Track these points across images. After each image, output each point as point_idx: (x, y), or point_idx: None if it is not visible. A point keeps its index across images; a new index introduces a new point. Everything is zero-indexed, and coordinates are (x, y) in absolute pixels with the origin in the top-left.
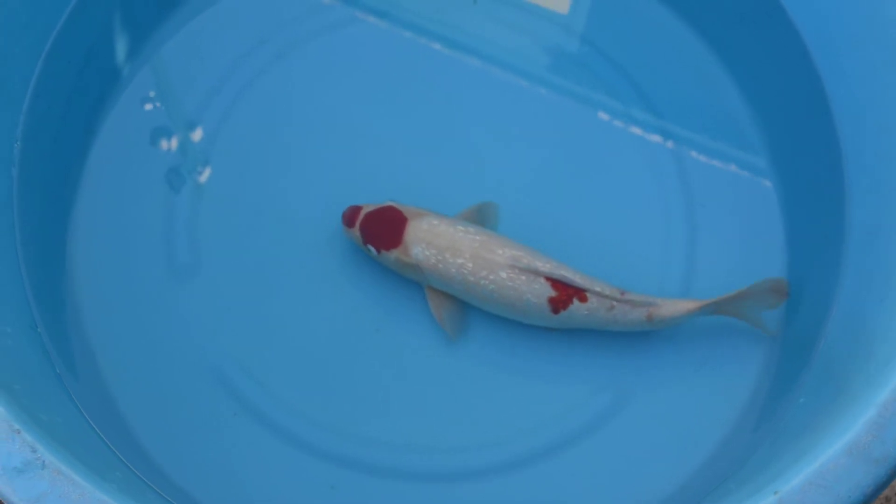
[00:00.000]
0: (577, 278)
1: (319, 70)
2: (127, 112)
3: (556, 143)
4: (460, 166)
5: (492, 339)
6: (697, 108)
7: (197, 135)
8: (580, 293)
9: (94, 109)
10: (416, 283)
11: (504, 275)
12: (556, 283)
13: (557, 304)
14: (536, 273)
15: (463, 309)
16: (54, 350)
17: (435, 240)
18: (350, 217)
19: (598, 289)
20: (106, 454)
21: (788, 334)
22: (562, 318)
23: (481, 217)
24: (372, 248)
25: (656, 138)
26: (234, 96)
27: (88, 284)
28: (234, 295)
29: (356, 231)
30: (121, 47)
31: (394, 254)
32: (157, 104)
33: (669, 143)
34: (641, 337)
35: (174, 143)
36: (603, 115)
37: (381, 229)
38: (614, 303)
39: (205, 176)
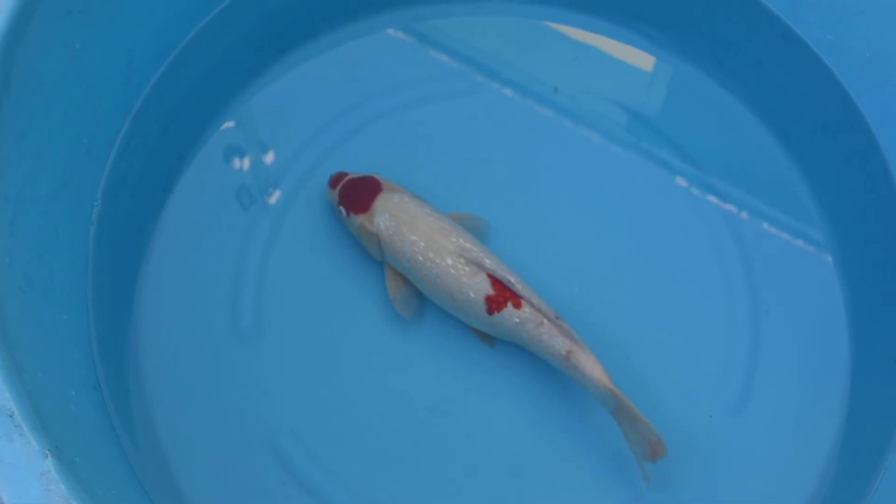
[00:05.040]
0: (518, 285)
1: (397, 142)
2: (203, 173)
3: (623, 231)
4: (530, 235)
5: (544, 416)
6: (773, 215)
7: (269, 200)
8: (516, 299)
9: (172, 169)
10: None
11: (450, 261)
12: (496, 283)
13: (492, 305)
14: (481, 267)
15: (418, 294)
16: (115, 411)
17: (399, 213)
18: (335, 180)
19: (534, 301)
20: None
21: (852, 447)
22: (495, 321)
23: (467, 226)
24: (343, 210)
25: (723, 228)
26: (308, 167)
27: (151, 344)
28: (292, 364)
29: (336, 193)
30: (204, 109)
31: (360, 219)
32: (234, 167)
33: (736, 230)
34: None
35: (245, 207)
36: (670, 202)
37: (355, 194)
38: (545, 320)
39: (274, 243)
